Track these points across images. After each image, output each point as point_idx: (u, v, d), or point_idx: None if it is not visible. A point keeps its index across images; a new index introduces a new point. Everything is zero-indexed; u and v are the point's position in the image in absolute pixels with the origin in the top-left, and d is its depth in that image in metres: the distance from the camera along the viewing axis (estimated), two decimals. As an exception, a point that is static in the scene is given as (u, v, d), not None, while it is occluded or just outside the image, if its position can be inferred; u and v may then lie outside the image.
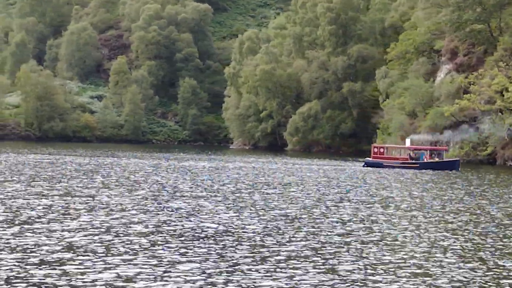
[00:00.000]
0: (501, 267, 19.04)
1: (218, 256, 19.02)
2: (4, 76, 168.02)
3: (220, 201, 33.20)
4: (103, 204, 30.12)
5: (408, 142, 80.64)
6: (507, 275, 18.08)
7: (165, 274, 16.64)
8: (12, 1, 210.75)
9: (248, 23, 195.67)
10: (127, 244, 20.44)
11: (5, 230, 22.19)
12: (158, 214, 27.43)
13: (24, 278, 15.77)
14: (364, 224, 26.94)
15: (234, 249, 20.27)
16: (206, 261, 18.33)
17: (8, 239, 20.46)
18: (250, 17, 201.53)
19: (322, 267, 18.15)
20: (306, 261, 18.82)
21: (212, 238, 22.01)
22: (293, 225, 25.85)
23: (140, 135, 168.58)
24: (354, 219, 28.41)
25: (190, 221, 25.80)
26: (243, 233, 23.33)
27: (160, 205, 30.77)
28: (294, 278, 16.73)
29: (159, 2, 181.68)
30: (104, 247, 19.78)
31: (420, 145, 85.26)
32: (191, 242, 21.20)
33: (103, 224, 24.18)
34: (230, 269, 17.47)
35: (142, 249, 19.71)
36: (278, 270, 17.57)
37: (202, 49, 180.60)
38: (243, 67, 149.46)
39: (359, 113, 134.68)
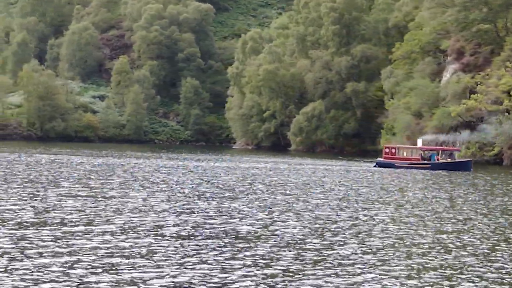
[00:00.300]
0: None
1: (270, 260, 18.76)
2: (6, 76, 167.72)
3: (253, 203, 32.91)
4: (135, 205, 29.84)
5: (419, 142, 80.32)
6: None
7: (221, 281, 16.38)
8: (13, 1, 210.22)
9: (249, 23, 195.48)
10: (176, 247, 20.15)
11: (45, 232, 21.90)
12: (192, 215, 27.19)
13: (72, 282, 15.49)
14: (410, 227, 26.36)
15: (283, 252, 20.00)
16: (255, 265, 18.06)
17: (51, 243, 20.17)
18: (251, 17, 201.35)
19: (376, 271, 17.90)
20: (361, 264, 18.58)
21: (256, 241, 21.73)
22: (337, 227, 25.62)
23: (142, 135, 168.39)
24: (395, 222, 28.02)
25: (237, 223, 25.56)
26: (287, 236, 23.03)
27: (197, 205, 30.52)
28: (352, 281, 16.49)
29: (161, 2, 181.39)
30: (151, 250, 19.52)
31: (430, 146, 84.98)
32: (239, 244, 20.94)
33: (141, 226, 23.95)
34: (282, 273, 17.22)
35: (193, 252, 19.42)
36: (333, 275, 17.30)
37: (203, 49, 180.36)
38: (246, 67, 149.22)
39: (362, 113, 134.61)
